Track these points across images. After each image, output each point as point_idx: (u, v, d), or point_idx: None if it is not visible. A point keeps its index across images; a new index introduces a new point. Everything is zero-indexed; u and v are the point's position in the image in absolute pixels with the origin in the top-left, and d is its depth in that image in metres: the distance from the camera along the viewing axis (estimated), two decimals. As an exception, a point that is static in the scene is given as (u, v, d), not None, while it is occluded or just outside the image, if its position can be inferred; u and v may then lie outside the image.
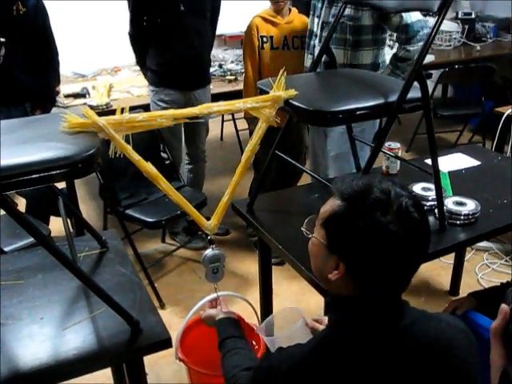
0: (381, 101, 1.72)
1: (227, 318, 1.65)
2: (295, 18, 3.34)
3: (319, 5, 2.94)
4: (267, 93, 1.76)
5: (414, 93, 1.76)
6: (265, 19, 3.31)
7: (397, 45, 2.88)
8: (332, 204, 1.19)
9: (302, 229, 1.35)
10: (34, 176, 1.24)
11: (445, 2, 1.66)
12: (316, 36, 2.99)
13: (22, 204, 3.61)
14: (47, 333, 1.56)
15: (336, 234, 1.18)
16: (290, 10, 3.35)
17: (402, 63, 2.80)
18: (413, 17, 2.67)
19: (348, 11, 2.70)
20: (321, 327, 1.58)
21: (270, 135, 1.75)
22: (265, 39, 3.30)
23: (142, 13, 3.20)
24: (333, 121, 1.73)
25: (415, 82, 1.73)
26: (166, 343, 1.53)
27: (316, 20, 2.98)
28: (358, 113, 1.69)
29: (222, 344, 1.55)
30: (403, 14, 2.63)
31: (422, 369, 1.13)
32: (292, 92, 1.72)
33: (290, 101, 1.72)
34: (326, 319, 1.59)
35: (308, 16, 3.13)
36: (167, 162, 3.41)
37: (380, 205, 1.12)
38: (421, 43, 2.70)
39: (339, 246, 1.17)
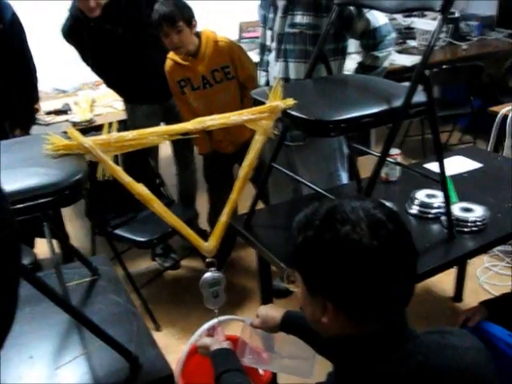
0: (385, 107, 1.62)
1: (223, 349, 1.54)
2: (208, 50, 2.89)
3: (271, 16, 2.65)
4: (263, 103, 1.65)
5: (418, 97, 1.67)
6: (176, 63, 2.94)
7: (360, 53, 2.69)
8: (296, 243, 1.07)
9: (285, 285, 1.23)
10: (13, 207, 1.12)
11: (448, 1, 1.57)
12: (270, 51, 2.70)
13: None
14: (38, 374, 1.44)
15: (309, 269, 1.06)
16: (199, 39, 2.88)
17: (370, 72, 2.58)
18: (380, 20, 2.47)
19: (306, 19, 2.48)
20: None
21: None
22: (183, 83, 2.97)
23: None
24: (335, 130, 1.62)
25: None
26: (167, 380, 1.42)
27: (269, 33, 2.68)
28: (361, 121, 1.59)
29: (218, 379, 1.43)
30: (370, 18, 2.43)
31: None
32: (290, 101, 1.61)
33: (288, 111, 1.62)
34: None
35: None
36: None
37: (348, 222, 1.00)
38: (390, 48, 2.55)
39: (317, 282, 1.05)
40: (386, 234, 1.00)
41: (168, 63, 2.97)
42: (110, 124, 1.42)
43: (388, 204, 1.86)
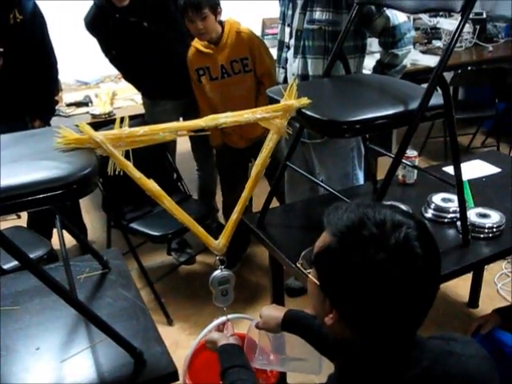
0: (401, 109, 1.59)
1: (230, 344, 1.54)
2: (230, 39, 2.91)
3: (289, 12, 2.63)
4: (278, 102, 1.64)
5: (435, 99, 1.64)
6: (198, 50, 2.96)
7: (380, 51, 2.63)
8: (323, 239, 1.03)
9: (298, 264, 1.19)
10: (22, 200, 1.13)
11: (468, 1, 1.54)
12: (288, 47, 2.69)
13: (24, 217, 3.52)
14: (43, 366, 1.45)
15: (326, 275, 1.03)
16: (222, 28, 2.92)
17: (389, 70, 2.56)
18: (399, 18, 2.45)
19: (325, 15, 2.46)
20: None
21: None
22: (201, 71, 2.97)
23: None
24: (349, 131, 1.59)
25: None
26: (172, 377, 1.42)
27: (287, 29, 2.67)
28: (376, 122, 1.56)
29: (224, 374, 1.43)
30: (389, 16, 2.41)
31: None
32: (305, 100, 1.59)
33: (303, 110, 1.60)
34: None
35: None
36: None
37: (373, 240, 0.95)
38: (409, 46, 2.51)
39: (329, 289, 1.02)
40: (413, 260, 0.96)
41: (191, 50, 2.99)
42: (122, 119, 1.41)
43: (404, 207, 1.85)
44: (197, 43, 2.95)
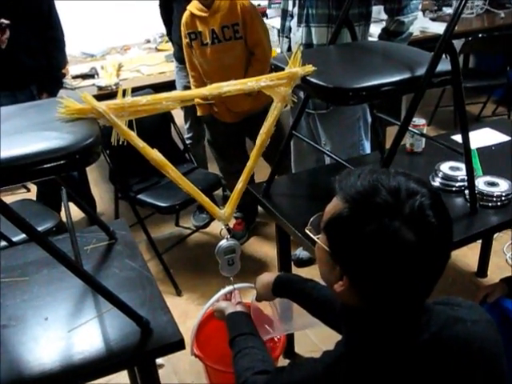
0: (407, 75, 1.56)
1: (237, 312, 1.55)
2: (223, 4, 2.83)
3: None
4: (282, 69, 1.61)
5: (443, 65, 1.61)
6: (192, 14, 2.89)
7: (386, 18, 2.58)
8: (335, 205, 1.01)
9: (306, 230, 1.18)
10: (24, 170, 1.13)
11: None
12: (292, 16, 2.65)
13: (34, 190, 3.53)
14: (52, 335, 1.46)
15: (338, 241, 1.01)
16: None
17: (395, 38, 2.51)
18: None
19: None
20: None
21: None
22: (193, 35, 2.92)
23: None
24: (355, 98, 1.57)
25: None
26: (178, 345, 1.43)
27: None
28: (382, 89, 1.54)
29: (232, 342, 1.44)
30: None
31: (458, 378, 1.01)
32: (309, 68, 1.57)
33: (308, 78, 1.58)
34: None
35: None
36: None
37: (387, 208, 0.94)
38: (415, 13, 2.46)
39: (341, 256, 1.01)
40: (428, 229, 0.95)
41: (185, 14, 2.94)
42: (124, 92, 1.40)
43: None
44: (191, 6, 2.91)
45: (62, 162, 1.17)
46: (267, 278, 1.60)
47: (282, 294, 1.58)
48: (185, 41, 2.98)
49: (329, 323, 1.49)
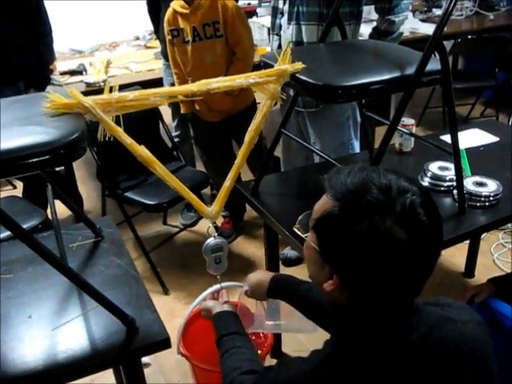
0: (397, 74, 1.56)
1: (224, 311, 1.53)
2: (204, 2, 2.82)
3: None
4: (271, 66, 1.60)
5: (433, 64, 1.61)
6: (175, 11, 2.89)
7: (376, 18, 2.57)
8: (324, 203, 0.99)
9: (295, 228, 1.17)
10: (8, 165, 1.11)
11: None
12: (282, 14, 2.64)
13: (20, 187, 3.50)
14: (35, 334, 1.44)
15: (328, 240, 0.99)
16: None
17: (386, 37, 2.49)
18: None
19: None
20: None
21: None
22: (175, 33, 2.91)
23: None
24: (344, 96, 1.56)
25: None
26: (164, 344, 1.41)
27: None
28: (372, 87, 1.53)
29: (219, 341, 1.42)
30: None
31: (448, 378, 1.01)
32: (299, 65, 1.56)
33: (297, 75, 1.56)
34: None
35: None
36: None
37: (378, 206, 0.93)
38: (405, 13, 2.46)
39: (331, 255, 0.99)
40: (419, 227, 0.94)
41: (168, 11, 2.93)
42: (111, 88, 1.38)
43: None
44: (174, 4, 2.90)
45: (46, 156, 1.15)
46: (261, 276, 1.59)
47: (276, 296, 1.57)
48: (167, 38, 2.96)
49: (323, 325, 1.48)
